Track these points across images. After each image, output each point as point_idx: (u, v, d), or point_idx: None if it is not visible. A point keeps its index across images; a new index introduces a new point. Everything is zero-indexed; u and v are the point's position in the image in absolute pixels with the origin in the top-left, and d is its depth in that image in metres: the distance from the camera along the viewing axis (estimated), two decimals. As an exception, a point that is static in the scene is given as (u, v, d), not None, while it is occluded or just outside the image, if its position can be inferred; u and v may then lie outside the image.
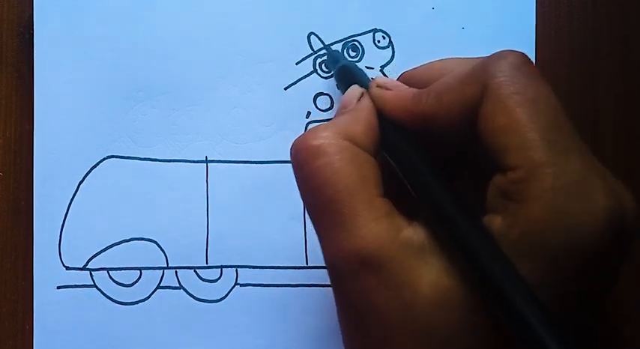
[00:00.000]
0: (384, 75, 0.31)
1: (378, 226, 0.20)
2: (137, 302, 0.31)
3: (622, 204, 0.19)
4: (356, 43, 0.32)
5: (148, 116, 0.31)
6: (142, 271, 0.31)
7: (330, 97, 0.31)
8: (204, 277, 0.31)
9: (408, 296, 0.19)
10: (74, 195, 0.31)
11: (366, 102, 0.24)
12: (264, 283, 0.31)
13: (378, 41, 0.32)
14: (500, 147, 0.19)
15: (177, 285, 0.31)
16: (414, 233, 0.20)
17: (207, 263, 0.31)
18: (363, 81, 0.26)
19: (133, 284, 0.31)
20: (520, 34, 0.32)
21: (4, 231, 0.31)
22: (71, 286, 0.31)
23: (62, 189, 0.31)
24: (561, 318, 0.18)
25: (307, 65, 0.31)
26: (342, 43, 0.31)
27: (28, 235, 0.31)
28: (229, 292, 0.31)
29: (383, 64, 0.31)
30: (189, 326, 0.31)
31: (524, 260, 0.18)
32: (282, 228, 0.31)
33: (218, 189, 0.31)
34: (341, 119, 0.23)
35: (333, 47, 0.31)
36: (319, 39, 0.31)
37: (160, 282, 0.31)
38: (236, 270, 0.31)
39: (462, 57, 0.25)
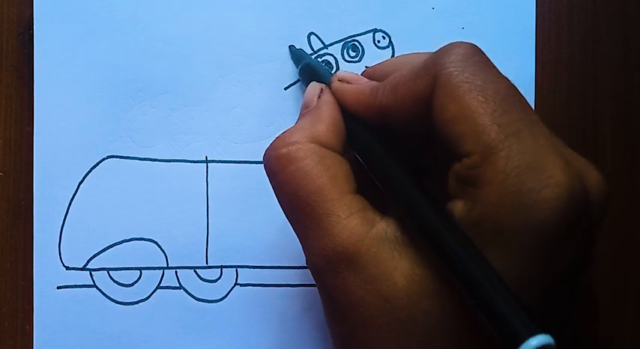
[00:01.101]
0: (384, 75, 0.32)
1: (352, 222, 0.20)
2: (137, 302, 0.31)
3: (582, 180, 0.19)
4: (356, 43, 0.32)
5: (148, 116, 0.31)
6: (142, 271, 0.31)
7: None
8: (204, 277, 0.31)
9: (384, 288, 0.20)
10: (74, 195, 0.31)
11: (327, 98, 0.24)
12: (264, 283, 0.31)
13: (378, 41, 0.32)
14: (454, 135, 0.19)
15: (177, 285, 0.31)
16: (387, 226, 0.21)
17: (207, 263, 0.31)
18: (325, 77, 0.26)
19: (133, 284, 0.31)
20: (520, 34, 0.32)
21: (4, 231, 0.31)
22: (71, 286, 0.31)
23: (62, 189, 0.31)
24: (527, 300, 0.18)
25: (307, 65, 0.31)
26: (342, 43, 0.31)
27: (28, 235, 0.31)
28: (229, 292, 0.31)
29: (383, 64, 0.31)
30: (189, 326, 0.31)
31: (486, 242, 0.18)
32: (282, 228, 0.31)
33: (218, 189, 0.31)
34: (305, 121, 0.24)
35: (333, 47, 0.31)
36: (319, 39, 0.31)
37: (160, 282, 0.31)
38: (236, 270, 0.31)
39: (419, 52, 0.25)
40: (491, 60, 0.21)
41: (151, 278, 0.31)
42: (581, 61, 0.32)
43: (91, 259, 0.31)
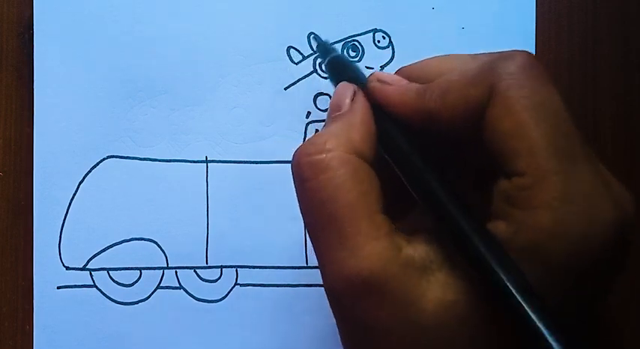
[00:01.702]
0: (384, 75, 0.31)
1: (380, 245, 0.19)
2: (137, 302, 0.31)
3: (626, 214, 0.18)
4: (356, 43, 0.32)
5: (148, 116, 0.31)
6: (142, 271, 0.31)
7: (330, 97, 0.31)
8: (204, 277, 0.31)
9: (413, 315, 0.19)
10: (74, 195, 0.31)
11: (361, 102, 0.23)
12: (264, 283, 0.31)
13: (378, 41, 0.32)
14: (506, 151, 0.18)
15: (177, 285, 0.31)
16: (414, 251, 0.20)
17: (207, 263, 0.31)
18: (356, 74, 0.24)
19: (133, 284, 0.31)
20: (520, 34, 0.32)
21: (4, 231, 0.31)
22: (71, 286, 0.31)
23: (62, 189, 0.31)
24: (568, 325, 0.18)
25: (307, 65, 0.31)
26: (342, 43, 0.31)
27: (28, 235, 0.31)
28: (229, 292, 0.31)
29: (383, 64, 0.31)
30: (189, 326, 0.31)
31: (529, 267, 0.18)
32: (282, 228, 0.31)
33: (218, 189, 0.31)
34: (339, 127, 0.22)
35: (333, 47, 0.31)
36: (319, 39, 0.31)
37: (160, 282, 0.31)
38: (236, 270, 0.31)
39: (461, 53, 0.23)
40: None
41: (151, 278, 0.31)
42: (581, 61, 0.32)
43: (91, 259, 0.31)
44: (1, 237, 0.31)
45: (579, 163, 0.18)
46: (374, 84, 0.23)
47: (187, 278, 0.31)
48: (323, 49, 0.29)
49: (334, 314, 0.21)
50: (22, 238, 0.31)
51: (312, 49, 0.31)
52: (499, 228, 0.19)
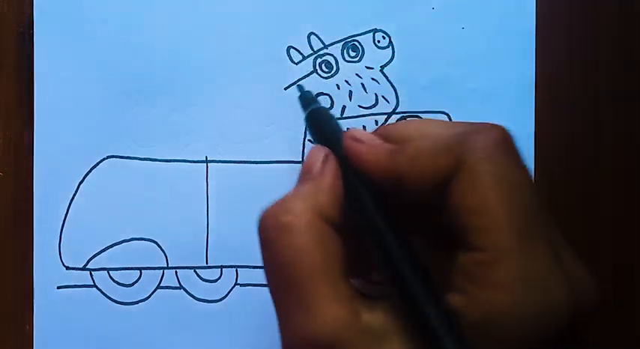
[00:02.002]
0: (384, 75, 0.31)
1: (340, 311, 0.19)
2: (137, 302, 0.31)
3: (582, 299, 0.19)
4: (356, 43, 0.32)
5: (148, 116, 0.31)
6: (142, 271, 0.31)
7: (330, 97, 0.31)
8: (204, 277, 0.31)
9: None
10: (74, 195, 0.31)
11: (332, 166, 0.22)
12: (264, 283, 0.31)
13: (378, 41, 0.32)
14: (468, 225, 0.18)
15: (177, 285, 0.31)
16: (373, 317, 0.20)
17: (207, 263, 0.31)
18: (333, 129, 0.24)
19: (133, 284, 0.31)
20: (520, 34, 0.32)
21: (4, 231, 0.31)
22: (71, 286, 0.31)
23: (62, 189, 0.31)
24: None
25: (307, 65, 0.31)
26: (342, 43, 0.31)
27: (28, 235, 0.31)
28: (229, 292, 0.31)
29: (383, 64, 0.31)
30: (189, 326, 0.31)
31: (482, 344, 0.18)
32: (282, 228, 0.31)
33: (218, 189, 0.31)
34: (307, 189, 0.22)
35: (333, 47, 0.31)
36: (319, 39, 0.31)
37: (160, 282, 0.31)
38: (236, 270, 0.31)
39: (440, 120, 0.23)
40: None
41: (151, 278, 0.31)
42: (581, 61, 0.32)
43: (91, 259, 0.31)
44: (1, 237, 0.31)
45: (539, 245, 0.18)
46: (347, 142, 0.23)
47: (187, 278, 0.31)
48: (305, 100, 0.28)
49: None
50: (22, 238, 0.31)
51: (312, 49, 0.31)
52: (455, 300, 0.19)
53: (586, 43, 0.32)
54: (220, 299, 0.31)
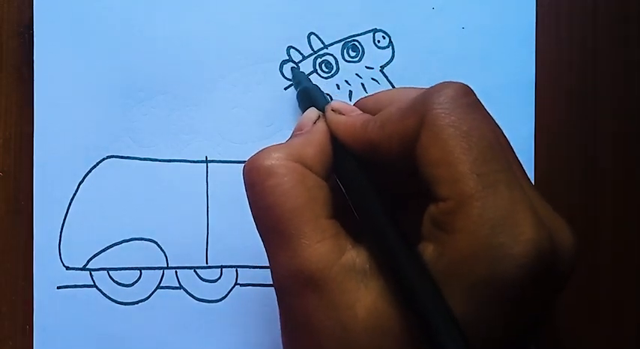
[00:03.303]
0: (384, 75, 0.32)
1: (322, 248, 0.20)
2: (137, 302, 0.31)
3: (552, 238, 0.19)
4: (356, 43, 0.32)
5: (148, 116, 0.31)
6: (142, 271, 0.31)
7: (330, 97, 0.31)
8: (204, 277, 0.31)
9: (345, 318, 0.20)
10: (74, 195, 0.31)
11: (321, 125, 0.24)
12: (264, 283, 0.31)
13: (378, 41, 0.32)
14: (433, 178, 0.19)
15: (177, 285, 0.31)
16: (357, 255, 0.21)
17: (207, 263, 0.31)
18: (321, 104, 0.26)
19: (133, 284, 0.31)
20: (520, 34, 0.32)
21: (4, 231, 0.31)
22: (71, 286, 0.31)
23: (62, 189, 0.31)
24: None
25: (307, 65, 0.31)
26: (342, 43, 0.31)
27: (28, 235, 0.31)
28: (229, 292, 0.31)
29: (383, 63, 0.31)
30: (189, 326, 0.31)
31: (451, 289, 0.19)
32: (282, 228, 0.31)
33: (218, 189, 0.31)
34: (294, 141, 0.24)
35: (333, 47, 0.31)
36: (319, 39, 0.31)
37: (160, 282, 0.31)
38: (236, 270, 0.31)
39: (410, 87, 0.25)
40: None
41: (151, 278, 0.31)
42: (581, 61, 0.32)
43: (91, 259, 0.31)
44: (1, 237, 0.31)
45: (500, 189, 0.19)
46: (328, 113, 0.25)
47: (187, 278, 0.31)
48: (297, 78, 0.30)
49: (278, 304, 0.22)
50: (22, 238, 0.31)
51: (312, 49, 0.31)
52: (427, 250, 0.20)
53: (586, 42, 0.32)
54: (220, 299, 0.31)
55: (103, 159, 0.31)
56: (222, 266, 0.31)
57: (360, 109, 0.25)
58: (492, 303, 0.18)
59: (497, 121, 0.21)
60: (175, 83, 0.31)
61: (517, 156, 0.22)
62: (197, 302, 0.31)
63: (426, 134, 0.20)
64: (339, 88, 0.31)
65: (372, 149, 0.22)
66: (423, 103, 0.20)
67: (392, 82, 0.31)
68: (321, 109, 0.26)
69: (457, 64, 0.31)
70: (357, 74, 0.32)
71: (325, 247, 0.21)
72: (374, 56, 0.31)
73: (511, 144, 0.22)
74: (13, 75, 0.31)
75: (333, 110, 0.25)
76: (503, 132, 0.22)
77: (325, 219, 0.21)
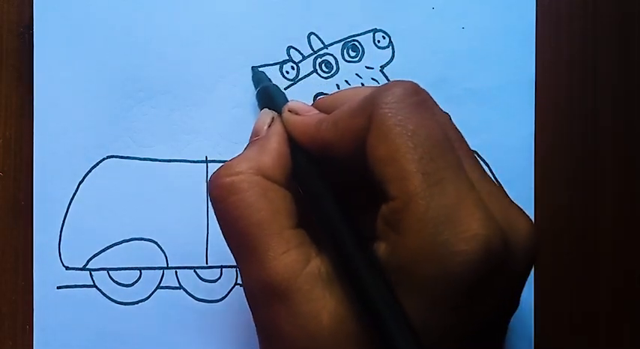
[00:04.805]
0: (384, 75, 0.32)
1: (288, 259, 0.21)
2: (137, 302, 0.31)
3: (503, 232, 0.19)
4: (356, 43, 0.32)
5: (148, 116, 0.31)
6: (142, 271, 0.31)
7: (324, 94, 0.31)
8: (204, 277, 0.31)
9: (312, 327, 0.20)
10: (74, 195, 0.31)
11: (276, 128, 0.25)
12: (264, 283, 0.31)
13: (378, 41, 0.32)
14: (383, 177, 0.20)
15: (177, 285, 0.31)
16: (321, 262, 0.21)
17: (207, 263, 0.31)
18: (279, 104, 0.26)
19: (133, 284, 0.31)
20: (520, 34, 0.32)
21: (4, 231, 0.31)
22: (71, 286, 0.31)
23: (62, 189, 0.31)
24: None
25: (307, 65, 0.31)
26: (342, 43, 0.31)
27: (28, 235, 0.31)
28: (229, 292, 0.31)
29: (383, 63, 0.31)
30: (189, 326, 0.31)
31: (403, 289, 0.19)
32: (282, 228, 0.31)
33: (218, 189, 0.31)
34: (251, 151, 0.24)
35: (333, 47, 0.31)
36: (319, 39, 0.31)
37: (160, 282, 0.31)
38: (236, 270, 0.31)
39: (367, 86, 0.25)
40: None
41: (150, 278, 0.31)
42: (581, 61, 0.32)
43: (90, 259, 0.31)
44: (1, 237, 0.31)
45: (445, 186, 0.19)
46: (284, 114, 0.25)
47: (187, 278, 0.31)
48: (257, 78, 0.30)
49: (252, 318, 0.22)
50: (22, 238, 0.31)
51: (312, 49, 0.31)
52: (380, 248, 0.20)
53: (586, 42, 0.32)
54: (220, 299, 0.31)
55: (103, 159, 0.31)
56: (222, 267, 0.31)
57: (319, 109, 0.25)
58: (442, 302, 0.18)
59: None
60: (175, 83, 0.31)
61: (470, 147, 0.22)
62: (197, 302, 0.31)
63: (374, 133, 0.20)
64: (339, 88, 0.31)
65: (326, 148, 0.22)
66: (371, 102, 0.20)
67: (392, 81, 0.31)
68: (278, 109, 0.26)
69: (457, 64, 0.31)
70: (357, 74, 0.32)
71: (290, 258, 0.21)
72: (374, 56, 0.31)
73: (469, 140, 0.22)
74: (13, 75, 0.31)
75: (289, 110, 0.25)
76: (458, 127, 0.22)
77: (290, 230, 0.22)
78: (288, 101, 0.26)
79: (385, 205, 0.20)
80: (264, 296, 0.21)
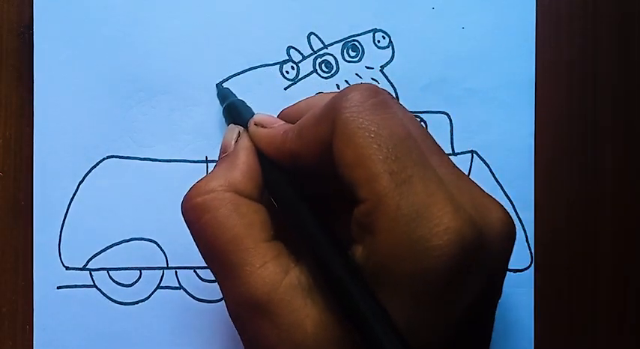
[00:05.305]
0: (384, 75, 0.32)
1: (265, 272, 0.21)
2: (137, 302, 0.31)
3: (475, 222, 0.19)
4: (356, 43, 0.32)
5: (148, 116, 0.31)
6: (142, 271, 0.31)
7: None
8: (204, 277, 0.31)
9: (296, 337, 0.20)
10: (74, 195, 0.31)
11: (243, 143, 0.25)
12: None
13: (378, 41, 0.32)
14: (351, 181, 0.20)
15: (177, 285, 0.31)
16: (300, 272, 0.21)
17: (207, 263, 0.31)
18: (245, 118, 0.26)
19: (132, 284, 0.31)
20: (520, 34, 0.32)
21: (4, 231, 0.31)
22: (71, 286, 0.31)
23: (62, 189, 0.31)
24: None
25: (307, 65, 0.31)
26: (342, 43, 0.31)
27: (28, 235, 0.31)
28: (229, 292, 0.31)
29: (383, 63, 0.31)
30: (189, 326, 0.31)
31: (383, 290, 0.19)
32: (282, 228, 0.31)
33: (218, 189, 0.31)
34: (220, 168, 0.24)
35: (333, 47, 0.31)
36: (319, 39, 0.31)
37: (159, 282, 0.31)
38: (236, 270, 0.31)
39: (329, 92, 0.25)
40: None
41: (150, 278, 0.31)
42: (581, 61, 0.32)
43: (90, 259, 0.31)
44: (1, 237, 0.31)
45: (413, 184, 0.19)
46: (251, 128, 0.25)
47: (187, 278, 0.31)
48: (222, 95, 0.30)
49: (238, 334, 0.22)
50: (22, 238, 0.31)
51: (312, 49, 0.31)
52: (357, 252, 0.20)
53: (586, 42, 0.32)
54: (220, 299, 0.31)
55: (103, 159, 0.31)
56: (222, 266, 0.31)
57: (284, 120, 0.25)
58: (424, 298, 0.18)
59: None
60: (175, 83, 0.31)
61: (435, 140, 0.22)
62: (197, 302, 0.31)
63: (338, 138, 0.20)
64: (339, 88, 0.31)
65: (294, 158, 0.22)
66: (332, 108, 0.21)
67: (392, 81, 0.31)
68: (245, 124, 0.26)
69: (457, 64, 0.31)
70: (357, 74, 0.32)
71: (268, 271, 0.21)
72: (374, 56, 0.31)
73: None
74: (13, 75, 0.31)
75: (255, 124, 0.25)
76: (426, 124, 0.22)
77: (265, 242, 0.22)
78: (254, 114, 0.26)
79: (357, 208, 0.20)
80: (246, 311, 0.21)
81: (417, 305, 0.19)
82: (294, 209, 0.22)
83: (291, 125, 0.23)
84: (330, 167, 0.20)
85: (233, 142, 0.25)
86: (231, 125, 0.26)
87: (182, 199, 0.23)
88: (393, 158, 0.19)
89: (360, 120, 0.20)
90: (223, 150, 0.25)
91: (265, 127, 0.24)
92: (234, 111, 0.28)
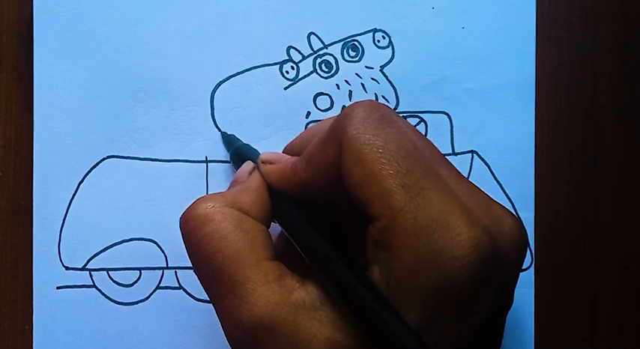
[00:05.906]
0: (384, 75, 0.32)
1: (269, 290, 0.20)
2: (137, 303, 0.31)
3: (490, 230, 0.19)
4: (356, 43, 0.32)
5: (148, 116, 0.31)
6: (142, 271, 0.31)
7: (330, 97, 0.31)
8: (204, 277, 0.31)
9: None
10: (74, 195, 0.31)
11: (257, 176, 0.24)
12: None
13: (378, 41, 0.32)
14: (364, 199, 0.19)
15: (177, 285, 0.31)
16: (305, 293, 0.20)
17: (207, 263, 0.31)
18: (253, 160, 0.26)
19: (132, 285, 0.31)
20: (520, 34, 0.32)
21: (4, 231, 0.31)
22: (71, 286, 0.31)
23: (62, 189, 0.31)
24: None
25: (307, 65, 0.31)
26: (342, 43, 0.31)
27: (28, 235, 0.31)
28: (229, 292, 0.31)
29: (383, 63, 0.31)
30: (189, 326, 0.31)
31: (406, 307, 0.18)
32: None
33: (218, 189, 0.31)
34: (230, 191, 0.24)
35: (333, 47, 0.31)
36: (319, 39, 0.31)
37: (159, 282, 0.31)
38: (236, 270, 0.31)
39: (326, 118, 0.25)
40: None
41: (150, 278, 0.31)
42: (581, 61, 0.32)
43: (90, 259, 0.31)
44: (1, 237, 0.31)
45: (428, 196, 0.19)
46: (260, 166, 0.25)
47: (187, 278, 0.31)
48: (227, 141, 0.31)
49: None
50: (22, 238, 0.31)
51: (312, 49, 0.31)
52: (375, 272, 0.19)
53: (586, 42, 0.32)
54: (220, 299, 0.31)
55: (103, 159, 0.31)
56: (222, 267, 0.31)
57: (289, 154, 0.25)
58: (447, 309, 0.18)
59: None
60: (175, 83, 0.31)
61: (440, 151, 0.22)
62: (197, 302, 0.31)
63: (347, 158, 0.20)
64: (339, 88, 0.31)
65: (306, 188, 0.22)
66: (337, 129, 0.20)
67: (392, 81, 0.31)
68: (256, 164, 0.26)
69: (457, 64, 0.31)
70: (357, 74, 0.32)
71: (272, 289, 0.20)
72: (374, 56, 0.31)
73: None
74: (13, 75, 0.31)
75: (263, 162, 0.25)
76: (429, 138, 0.22)
77: (267, 261, 0.21)
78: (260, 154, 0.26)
79: (372, 227, 0.19)
80: (247, 335, 0.20)
81: (439, 316, 0.18)
82: (306, 235, 0.21)
83: (297, 157, 0.23)
84: (342, 191, 0.20)
85: (247, 175, 0.25)
86: (248, 161, 0.26)
87: (183, 212, 0.22)
88: (404, 171, 0.19)
89: (367, 136, 0.20)
90: (236, 181, 0.25)
91: (273, 164, 0.24)
92: (243, 154, 0.28)
